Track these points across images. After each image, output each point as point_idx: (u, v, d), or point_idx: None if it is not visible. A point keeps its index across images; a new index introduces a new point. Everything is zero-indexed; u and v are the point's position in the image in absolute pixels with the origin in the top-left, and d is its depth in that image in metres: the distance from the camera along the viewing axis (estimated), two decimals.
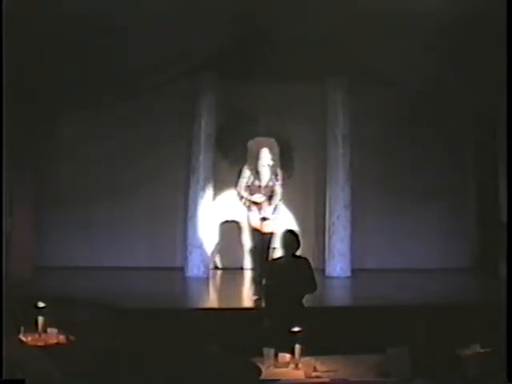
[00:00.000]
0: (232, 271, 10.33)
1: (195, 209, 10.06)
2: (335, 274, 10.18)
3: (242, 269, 10.39)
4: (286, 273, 6.12)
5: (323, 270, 10.22)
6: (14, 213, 8.47)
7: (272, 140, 10.15)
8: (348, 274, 10.21)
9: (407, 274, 9.95)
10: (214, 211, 10.27)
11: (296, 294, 6.05)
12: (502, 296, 7.00)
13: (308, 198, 10.57)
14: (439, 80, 8.96)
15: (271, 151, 9.40)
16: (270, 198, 9.01)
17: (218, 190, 10.30)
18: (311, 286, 6.17)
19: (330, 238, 10.31)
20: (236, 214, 10.27)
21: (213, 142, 10.12)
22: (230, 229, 10.57)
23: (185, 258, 10.11)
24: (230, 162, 10.48)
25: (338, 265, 10.22)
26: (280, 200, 9.23)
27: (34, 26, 8.10)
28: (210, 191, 10.14)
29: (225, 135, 10.18)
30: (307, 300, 6.16)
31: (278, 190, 9.14)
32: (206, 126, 10.07)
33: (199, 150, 10.07)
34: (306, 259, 6.35)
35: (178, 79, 8.85)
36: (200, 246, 10.03)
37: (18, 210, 8.60)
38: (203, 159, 10.07)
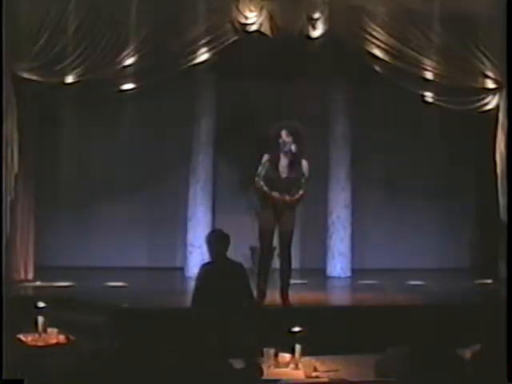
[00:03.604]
0: None
1: (195, 209, 10.06)
2: (335, 274, 10.18)
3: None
4: (221, 279, 5.90)
5: (323, 270, 10.23)
6: (13, 213, 8.46)
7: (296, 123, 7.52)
8: (348, 274, 10.21)
9: (407, 274, 9.95)
10: (215, 211, 10.27)
11: (232, 303, 5.72)
12: (502, 296, 7.02)
13: (308, 198, 10.56)
14: (439, 79, 8.97)
15: (294, 134, 7.33)
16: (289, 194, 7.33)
17: (218, 189, 10.29)
18: (246, 295, 5.93)
19: (330, 237, 10.31)
20: (239, 213, 10.30)
21: (213, 142, 10.12)
22: (231, 227, 10.55)
23: (185, 258, 10.11)
24: (230, 161, 10.48)
25: (338, 265, 10.22)
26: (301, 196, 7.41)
27: (34, 26, 8.12)
28: (209, 191, 10.13)
29: (225, 135, 10.18)
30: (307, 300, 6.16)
31: (304, 186, 7.35)
32: (205, 126, 10.06)
33: (199, 150, 10.06)
34: (240, 264, 6.10)
35: (178, 79, 8.83)
36: (200, 246, 10.02)
37: (18, 210, 8.60)
38: (203, 159, 10.06)
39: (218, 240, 6.15)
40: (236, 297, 5.83)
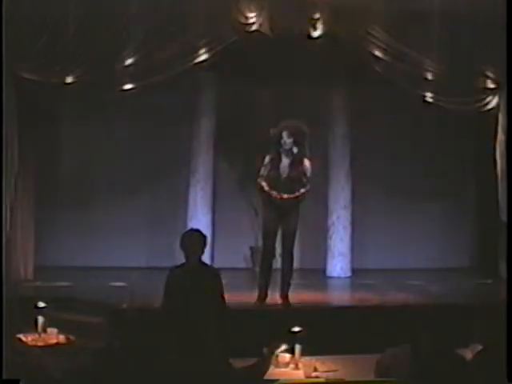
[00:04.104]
0: (233, 271, 10.31)
1: (195, 209, 10.06)
2: (335, 274, 10.19)
3: (242, 269, 10.38)
4: (191, 284, 5.45)
5: (323, 270, 10.23)
6: (13, 213, 8.46)
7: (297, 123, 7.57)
8: (348, 274, 10.22)
9: (407, 273, 9.95)
10: (215, 211, 10.27)
11: (202, 314, 5.17)
12: (502, 296, 7.02)
13: (308, 198, 10.56)
14: (439, 79, 8.97)
15: (295, 135, 7.40)
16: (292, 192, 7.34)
17: (218, 189, 10.30)
18: (218, 304, 5.45)
19: (330, 237, 10.31)
20: (239, 213, 10.31)
21: (213, 142, 10.12)
22: (231, 227, 10.57)
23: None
24: (230, 162, 10.48)
25: (338, 265, 10.22)
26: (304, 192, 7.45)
27: (34, 26, 8.11)
28: (209, 191, 10.13)
29: (225, 135, 10.18)
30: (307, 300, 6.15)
31: (305, 184, 7.43)
32: (206, 126, 10.07)
33: (199, 150, 10.07)
34: (215, 270, 5.73)
35: (178, 79, 8.83)
36: None
37: (18, 210, 8.60)
38: (203, 159, 10.07)
39: (192, 241, 5.65)
40: (206, 304, 5.35)
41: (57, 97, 8.45)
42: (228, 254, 10.63)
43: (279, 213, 7.34)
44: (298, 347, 4.98)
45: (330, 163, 10.33)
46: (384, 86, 9.38)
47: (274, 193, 7.27)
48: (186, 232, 5.88)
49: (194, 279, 5.52)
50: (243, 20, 8.52)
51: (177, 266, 5.80)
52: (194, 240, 5.66)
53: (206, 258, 9.91)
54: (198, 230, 5.83)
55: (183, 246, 5.64)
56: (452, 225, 10.90)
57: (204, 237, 5.69)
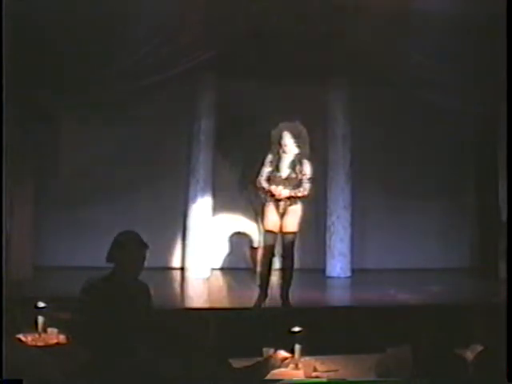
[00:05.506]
0: (233, 271, 10.32)
1: (195, 209, 10.06)
2: (335, 274, 10.19)
3: (242, 269, 10.38)
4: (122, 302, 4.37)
5: (323, 270, 10.24)
6: (13, 213, 8.46)
7: (298, 125, 7.78)
8: (348, 274, 10.22)
9: (407, 274, 9.95)
10: (215, 211, 10.27)
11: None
12: (502, 296, 7.02)
13: (308, 198, 10.56)
14: (439, 80, 8.97)
15: (295, 136, 7.61)
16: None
17: (218, 190, 10.29)
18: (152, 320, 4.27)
19: (330, 237, 10.31)
20: (239, 213, 10.32)
21: (213, 142, 10.12)
22: (231, 228, 10.57)
23: (185, 258, 10.11)
24: (230, 161, 10.47)
25: (337, 265, 10.22)
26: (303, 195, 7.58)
27: (34, 25, 8.11)
28: (209, 191, 10.14)
29: (225, 135, 10.18)
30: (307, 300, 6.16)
31: (306, 185, 7.57)
32: (205, 126, 10.07)
33: (199, 150, 10.07)
34: (146, 286, 4.51)
35: (178, 79, 8.83)
36: (200, 246, 10.03)
37: (18, 210, 8.60)
38: (203, 159, 10.07)
39: (137, 253, 4.52)
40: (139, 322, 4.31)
41: (57, 96, 8.45)
42: (228, 254, 10.63)
43: (280, 212, 7.35)
44: (297, 347, 4.97)
45: (330, 163, 10.34)
46: (384, 86, 9.39)
47: (275, 190, 7.30)
48: (127, 236, 4.70)
49: (127, 298, 4.45)
50: (243, 20, 8.52)
51: (100, 278, 4.80)
52: (138, 251, 4.51)
53: (205, 257, 10.06)
54: (138, 236, 4.58)
55: (120, 255, 4.64)
56: (452, 225, 10.89)
57: (146, 246, 4.48)
